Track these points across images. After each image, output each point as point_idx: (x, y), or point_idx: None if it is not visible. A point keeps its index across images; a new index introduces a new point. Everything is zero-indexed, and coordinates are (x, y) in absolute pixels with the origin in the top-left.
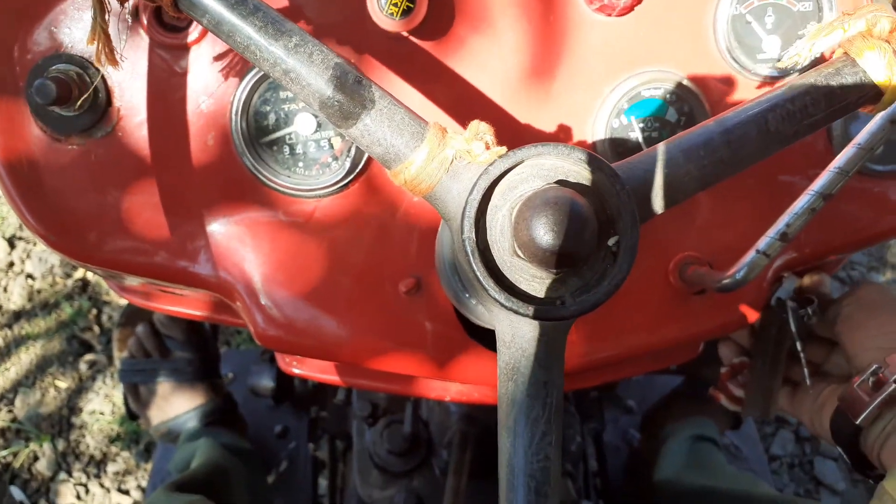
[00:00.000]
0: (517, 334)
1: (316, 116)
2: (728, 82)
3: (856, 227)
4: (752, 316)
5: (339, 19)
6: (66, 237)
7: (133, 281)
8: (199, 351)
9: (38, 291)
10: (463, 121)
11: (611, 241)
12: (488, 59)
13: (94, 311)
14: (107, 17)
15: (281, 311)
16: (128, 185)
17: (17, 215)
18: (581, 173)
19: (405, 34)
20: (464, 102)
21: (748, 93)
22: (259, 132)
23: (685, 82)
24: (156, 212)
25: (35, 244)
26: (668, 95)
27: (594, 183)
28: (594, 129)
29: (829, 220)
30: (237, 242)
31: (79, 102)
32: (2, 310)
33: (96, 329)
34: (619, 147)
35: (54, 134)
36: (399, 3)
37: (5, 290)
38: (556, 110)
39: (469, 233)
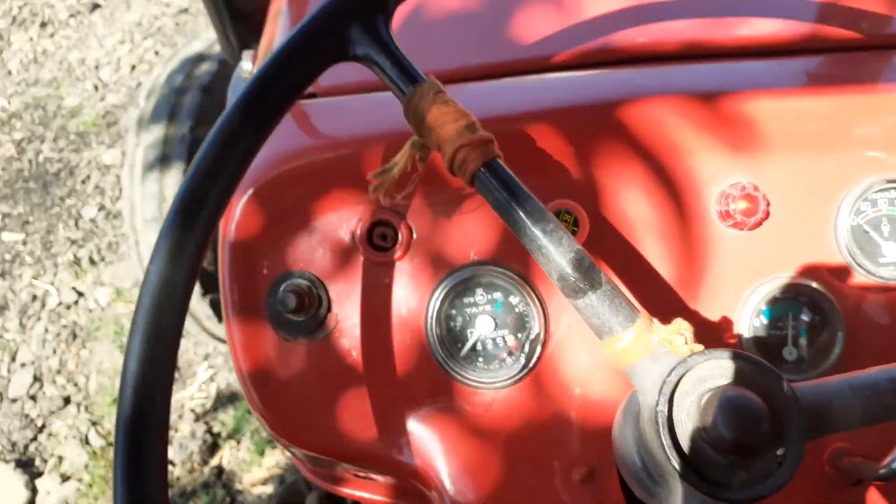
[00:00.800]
0: None
1: (494, 318)
2: (856, 284)
3: None
4: None
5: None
6: (287, 424)
7: (330, 465)
8: None
9: (178, 479)
10: None
11: (779, 451)
12: (639, 268)
13: (229, 500)
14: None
15: (465, 497)
16: (343, 380)
17: (248, 403)
18: (762, 383)
19: None
20: None
21: (876, 294)
22: (448, 333)
23: (815, 286)
24: (365, 403)
25: (177, 430)
26: (801, 298)
27: (772, 394)
28: (738, 327)
29: None
30: (430, 431)
31: (307, 310)
32: None
33: None
34: (762, 345)
35: (285, 336)
36: (566, 226)
37: None
38: (701, 312)
39: (662, 407)
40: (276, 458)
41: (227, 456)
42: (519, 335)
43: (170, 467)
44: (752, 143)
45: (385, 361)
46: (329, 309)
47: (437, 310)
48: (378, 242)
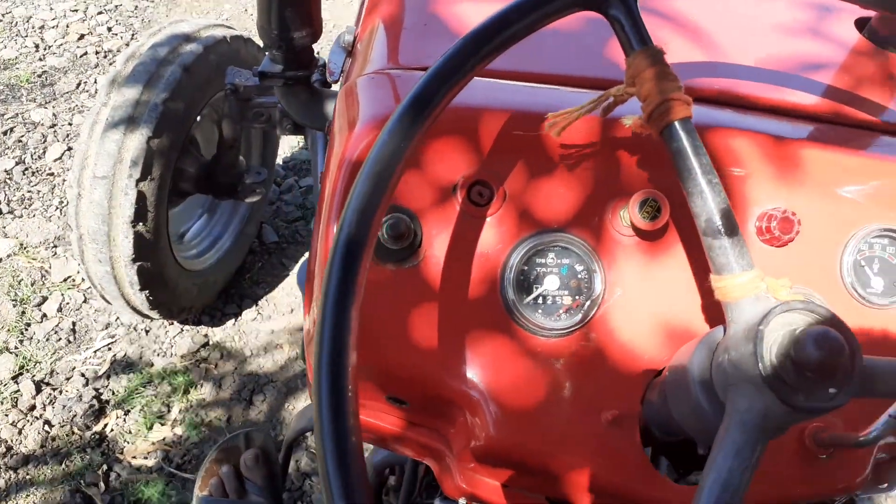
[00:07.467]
0: (751, 407)
1: (559, 279)
2: (850, 306)
3: None
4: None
5: (592, 221)
6: (362, 339)
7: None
8: (273, 498)
9: (53, 439)
10: (689, 303)
11: (831, 390)
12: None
13: (104, 468)
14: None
15: (504, 420)
16: (418, 306)
17: None
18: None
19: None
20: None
21: (863, 315)
22: (519, 283)
23: (821, 301)
24: (433, 329)
25: (62, 392)
26: None
27: (847, 339)
28: None
29: None
30: (484, 362)
31: (403, 241)
32: (11, 452)
33: (102, 486)
34: None
35: (376, 260)
36: (650, 211)
37: (20, 432)
38: None
39: (763, 327)
40: (164, 434)
41: (112, 424)
42: (577, 297)
43: (47, 427)
44: (796, 180)
45: (459, 296)
46: (420, 244)
47: (514, 263)
48: (475, 198)
